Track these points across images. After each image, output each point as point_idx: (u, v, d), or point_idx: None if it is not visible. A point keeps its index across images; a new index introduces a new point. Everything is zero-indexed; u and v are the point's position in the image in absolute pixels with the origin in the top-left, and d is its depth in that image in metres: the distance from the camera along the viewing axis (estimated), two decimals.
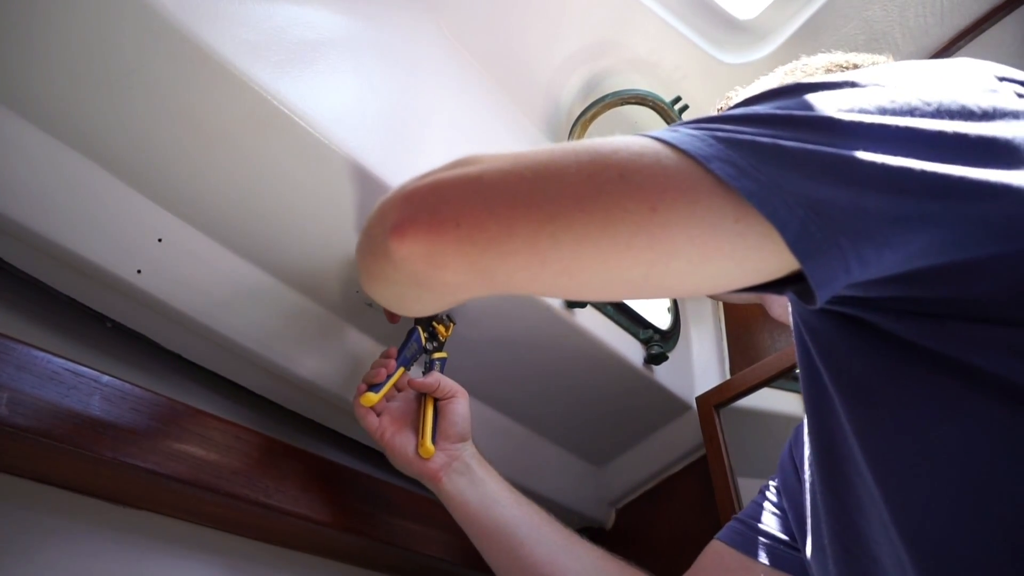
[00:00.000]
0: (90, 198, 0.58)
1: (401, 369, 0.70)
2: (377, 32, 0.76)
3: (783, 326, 1.06)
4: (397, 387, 0.72)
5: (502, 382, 0.89)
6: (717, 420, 0.98)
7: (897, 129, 0.33)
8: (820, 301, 0.32)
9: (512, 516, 0.68)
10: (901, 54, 0.93)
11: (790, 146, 0.32)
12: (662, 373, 0.99)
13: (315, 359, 0.73)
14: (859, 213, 0.31)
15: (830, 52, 0.62)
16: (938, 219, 0.32)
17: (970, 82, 0.36)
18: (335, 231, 0.69)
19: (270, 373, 0.72)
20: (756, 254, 0.33)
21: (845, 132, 0.33)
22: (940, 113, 0.34)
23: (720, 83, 0.98)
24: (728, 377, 1.09)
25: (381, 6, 0.78)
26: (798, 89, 0.36)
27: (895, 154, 0.32)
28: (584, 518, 1.09)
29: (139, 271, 0.60)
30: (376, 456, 0.87)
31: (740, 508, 0.90)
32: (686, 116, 0.94)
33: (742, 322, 1.14)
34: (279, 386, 0.75)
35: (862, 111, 0.34)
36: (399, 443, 0.68)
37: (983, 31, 0.90)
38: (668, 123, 0.93)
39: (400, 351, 0.71)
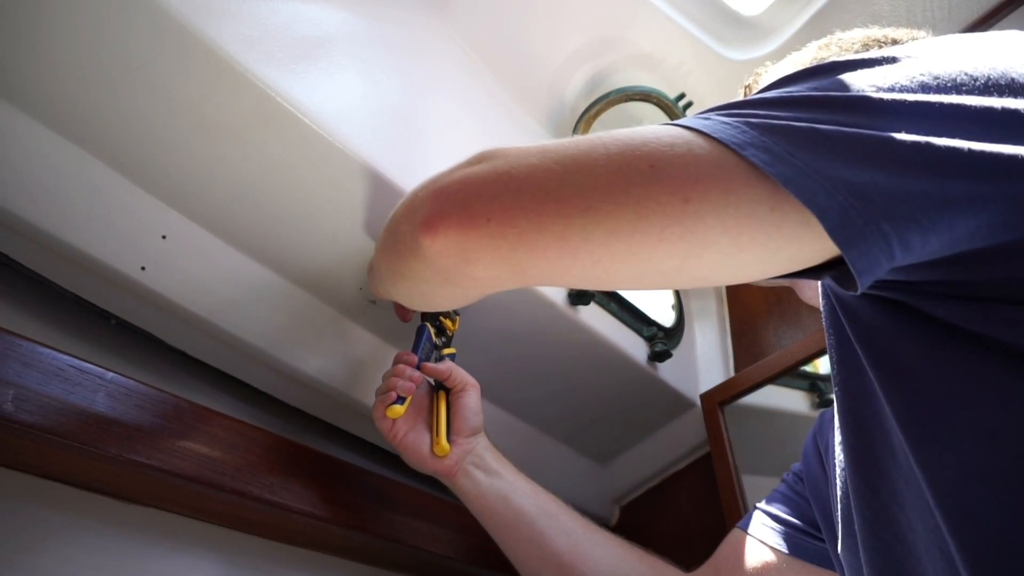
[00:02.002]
0: (94, 195, 0.58)
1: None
2: (381, 28, 0.75)
3: (788, 324, 1.06)
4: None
5: (506, 380, 0.89)
6: (721, 417, 0.98)
7: (941, 106, 0.31)
8: (862, 288, 0.31)
9: (530, 506, 0.67)
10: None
11: (827, 130, 0.31)
12: (666, 370, 0.98)
13: (320, 357, 0.73)
14: (902, 197, 0.30)
15: (867, 27, 0.59)
16: (987, 200, 0.30)
17: (1020, 53, 0.34)
18: (339, 228, 0.68)
19: (275, 370, 0.72)
20: (794, 242, 0.32)
21: (885, 112, 0.31)
22: (988, 88, 0.32)
23: (725, 79, 0.97)
24: (732, 374, 1.09)
25: (385, 2, 0.78)
26: (834, 68, 0.35)
27: (940, 134, 0.30)
28: (588, 515, 1.08)
29: (143, 268, 0.60)
30: (380, 453, 0.87)
31: (745, 505, 0.90)
32: (690, 113, 0.93)
33: (746, 319, 1.13)
34: (284, 383, 0.75)
35: (903, 89, 0.32)
36: (413, 442, 0.67)
37: (991, 25, 0.89)
38: (673, 120, 0.93)
39: (416, 350, 0.69)
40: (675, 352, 0.99)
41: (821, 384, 0.98)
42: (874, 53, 0.35)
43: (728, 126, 0.32)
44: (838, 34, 0.61)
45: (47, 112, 0.56)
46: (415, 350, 0.69)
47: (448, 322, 0.74)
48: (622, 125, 0.95)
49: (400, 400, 0.65)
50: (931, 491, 0.35)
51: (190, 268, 0.64)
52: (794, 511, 0.67)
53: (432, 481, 0.93)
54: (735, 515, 0.89)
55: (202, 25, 0.54)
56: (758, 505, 0.71)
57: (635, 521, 1.11)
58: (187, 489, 0.60)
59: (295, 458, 0.69)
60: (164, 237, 0.62)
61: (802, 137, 0.31)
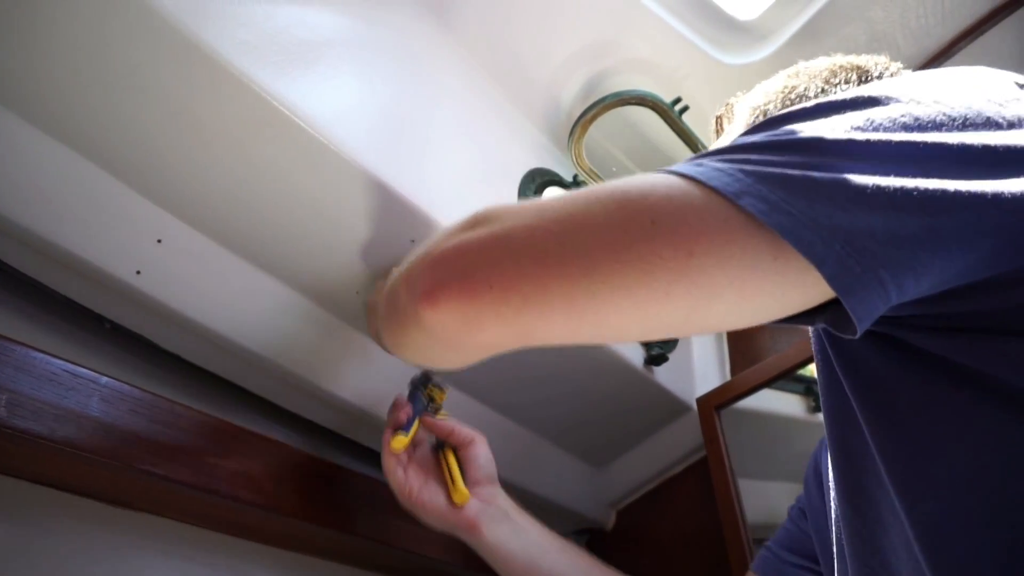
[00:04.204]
0: (89, 199, 0.58)
1: (418, 419, 0.68)
2: (377, 33, 0.75)
3: (783, 328, 1.06)
4: (413, 442, 0.69)
5: (502, 384, 0.89)
6: (717, 421, 0.98)
7: (925, 147, 0.32)
8: (859, 332, 0.32)
9: (559, 565, 0.65)
10: (902, 55, 0.93)
11: (819, 177, 0.31)
12: (662, 374, 0.98)
13: (317, 361, 0.73)
14: (897, 242, 0.30)
15: (830, 55, 0.61)
16: (978, 235, 0.31)
17: (991, 92, 0.36)
18: (334, 231, 0.68)
19: (270, 375, 0.72)
20: (798, 287, 0.32)
21: (873, 155, 0.32)
22: (966, 126, 0.33)
23: (721, 84, 0.97)
24: (728, 378, 1.09)
25: (381, 7, 0.78)
26: (819, 110, 0.35)
27: (927, 174, 0.31)
28: (584, 519, 1.08)
29: (138, 272, 0.60)
30: (374, 456, 0.86)
31: (741, 509, 0.90)
32: (686, 117, 0.93)
33: None
34: (280, 388, 0.75)
35: (887, 129, 0.33)
36: (428, 497, 0.65)
37: (984, 32, 0.90)
38: (668, 124, 0.93)
39: (411, 402, 0.69)
40: (671, 356, 0.99)
41: (816, 388, 0.98)
42: (856, 92, 0.36)
43: (723, 173, 0.32)
44: (802, 64, 0.61)
45: (42, 116, 0.55)
46: (410, 402, 0.69)
47: (436, 391, 0.73)
48: (618, 129, 0.95)
49: (405, 429, 0.64)
50: (911, 528, 0.35)
51: (185, 272, 0.63)
52: (799, 546, 0.67)
53: None
54: (731, 519, 0.89)
55: (199, 29, 0.54)
56: (766, 543, 0.72)
57: (631, 525, 1.11)
58: (181, 494, 0.60)
59: (290, 463, 0.69)
60: (159, 241, 0.62)
61: (796, 185, 0.31)
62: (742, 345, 1.12)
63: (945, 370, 0.35)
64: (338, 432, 0.83)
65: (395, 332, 0.42)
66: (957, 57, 0.92)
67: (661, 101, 0.91)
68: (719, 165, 0.33)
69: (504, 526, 0.65)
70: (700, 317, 0.33)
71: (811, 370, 0.98)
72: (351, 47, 0.70)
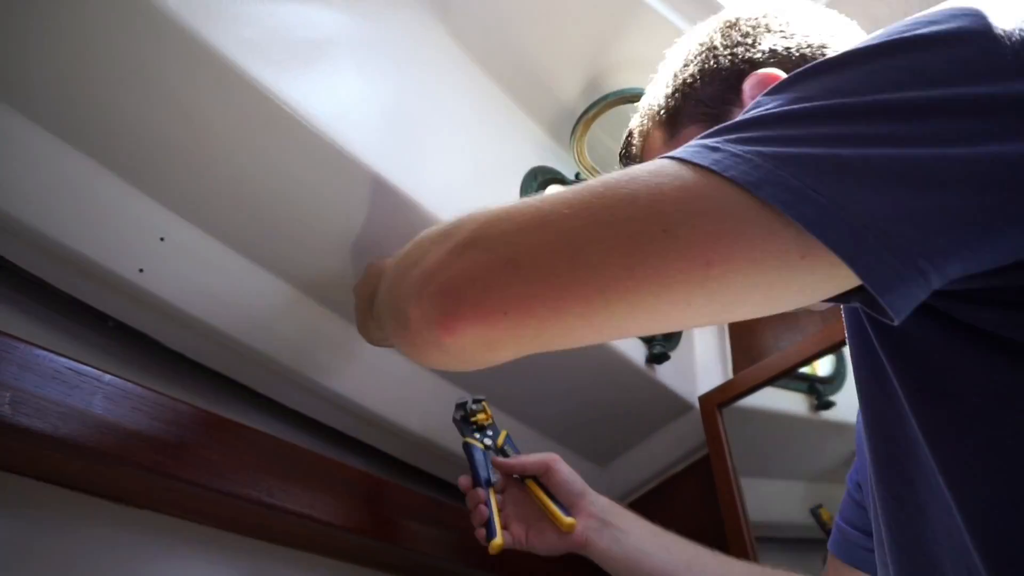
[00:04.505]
0: (92, 196, 0.58)
1: (491, 491, 0.68)
2: (379, 31, 0.75)
3: (786, 325, 1.06)
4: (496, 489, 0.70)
5: (504, 381, 0.89)
6: (720, 419, 0.98)
7: (974, 101, 0.28)
8: (897, 322, 0.29)
9: (663, 563, 0.66)
10: None
11: (847, 155, 0.28)
12: (664, 372, 0.98)
13: (320, 359, 0.73)
14: (939, 227, 0.27)
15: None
16: None
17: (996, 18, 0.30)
18: (337, 229, 0.68)
19: (274, 372, 0.72)
20: (829, 283, 0.30)
21: (911, 117, 0.28)
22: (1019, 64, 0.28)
23: None
24: (731, 376, 1.08)
25: (383, 5, 0.78)
26: (843, 62, 0.31)
27: (978, 139, 0.27)
28: None
29: (141, 270, 0.60)
30: (376, 453, 0.87)
31: (743, 508, 0.90)
32: None
33: (745, 321, 1.13)
34: (283, 385, 0.75)
35: (931, 83, 0.28)
36: (538, 539, 0.67)
37: None
38: None
39: (473, 475, 0.69)
40: (673, 354, 0.99)
41: (819, 386, 0.98)
42: (892, 34, 0.31)
43: (740, 159, 0.29)
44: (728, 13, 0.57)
45: (45, 114, 0.56)
46: (473, 471, 0.70)
47: (479, 415, 0.73)
48: (621, 127, 0.95)
49: (491, 532, 0.65)
50: (960, 510, 0.32)
51: (188, 270, 0.64)
52: (857, 524, 0.65)
53: (431, 482, 0.93)
54: (733, 517, 0.89)
55: (201, 28, 0.54)
56: (836, 519, 0.70)
57: None
58: (184, 491, 0.60)
59: (293, 460, 0.69)
60: (162, 239, 0.62)
61: (822, 166, 0.28)
62: (744, 343, 1.12)
63: (996, 345, 0.31)
64: (341, 431, 0.83)
65: (410, 346, 0.41)
66: None
67: None
68: (735, 149, 0.30)
69: (604, 534, 0.67)
70: (727, 317, 0.32)
71: (814, 368, 0.98)
72: (353, 45, 0.70)
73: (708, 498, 0.97)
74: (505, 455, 0.72)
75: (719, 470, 0.94)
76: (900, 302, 0.28)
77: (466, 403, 0.74)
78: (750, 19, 0.55)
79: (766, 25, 0.54)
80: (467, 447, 0.71)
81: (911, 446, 0.36)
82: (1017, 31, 0.29)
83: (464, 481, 0.70)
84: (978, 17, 0.30)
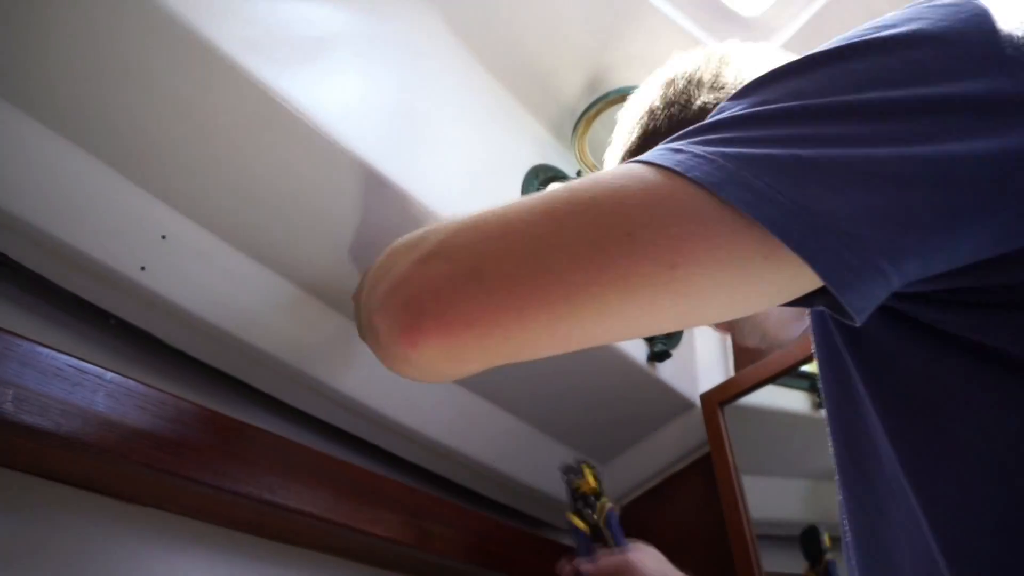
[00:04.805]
0: (94, 194, 0.58)
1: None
2: (380, 28, 0.75)
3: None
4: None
5: (504, 378, 0.89)
6: (721, 417, 0.98)
7: (933, 100, 0.28)
8: (859, 323, 0.29)
9: None
10: None
11: (808, 155, 0.28)
12: (665, 370, 0.98)
13: (322, 356, 0.73)
14: (899, 226, 0.27)
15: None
16: (995, 208, 0.28)
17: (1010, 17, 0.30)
18: (338, 227, 0.68)
19: (275, 371, 0.72)
20: (792, 284, 0.30)
21: (871, 118, 0.28)
22: (986, 67, 0.28)
23: None
24: (732, 374, 1.08)
25: (384, 2, 0.78)
26: (805, 66, 0.32)
27: (934, 139, 0.27)
28: None
29: (143, 268, 0.60)
30: (376, 451, 0.87)
31: (745, 506, 0.90)
32: None
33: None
34: (285, 384, 0.75)
35: (889, 84, 0.29)
36: None
37: None
38: None
39: (580, 551, 0.70)
40: (674, 352, 0.98)
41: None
42: (852, 38, 0.32)
43: (703, 160, 0.29)
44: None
45: (47, 111, 0.56)
46: (579, 551, 0.71)
47: (584, 483, 0.74)
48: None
49: None
50: (925, 513, 0.33)
51: (190, 268, 0.64)
52: None
53: (431, 480, 0.93)
54: (735, 515, 0.89)
55: (201, 25, 0.54)
56: None
57: (634, 522, 1.10)
58: (187, 489, 0.60)
59: (294, 457, 0.69)
60: (164, 237, 0.62)
61: (783, 166, 0.28)
62: None
63: (958, 348, 0.32)
64: (343, 429, 0.83)
65: (384, 360, 0.41)
66: None
67: None
68: (698, 150, 0.30)
69: None
70: (692, 320, 0.32)
71: (816, 366, 0.98)
72: (354, 43, 0.70)
73: (710, 496, 0.97)
74: (601, 530, 0.72)
75: (721, 468, 0.94)
76: (860, 301, 0.28)
77: (571, 467, 0.74)
78: (686, 73, 0.56)
79: (699, 80, 0.55)
80: (572, 528, 0.72)
81: (875, 450, 0.37)
82: (970, 33, 0.30)
83: (567, 571, 0.71)
84: (932, 20, 0.31)
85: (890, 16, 0.32)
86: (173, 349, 0.69)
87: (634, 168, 0.31)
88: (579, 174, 0.95)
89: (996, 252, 0.29)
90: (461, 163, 0.78)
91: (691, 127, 0.33)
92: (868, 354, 0.36)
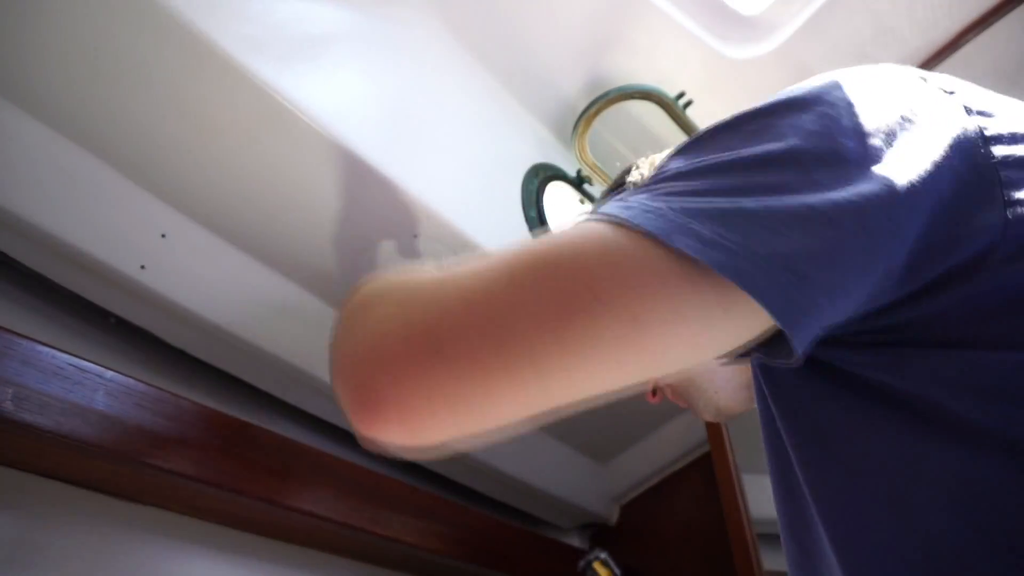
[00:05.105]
0: (93, 193, 0.58)
1: None
2: (380, 27, 0.75)
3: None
4: None
5: None
6: None
7: (855, 152, 0.32)
8: (796, 360, 0.31)
9: None
10: (908, 47, 0.92)
11: (749, 203, 0.30)
12: None
13: (321, 354, 0.73)
14: (834, 265, 0.30)
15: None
16: (902, 247, 0.31)
17: (902, 89, 0.35)
18: (339, 227, 0.68)
19: (275, 369, 0.72)
20: (745, 328, 0.31)
21: (802, 167, 0.31)
22: (890, 128, 0.33)
23: (725, 78, 0.97)
24: None
25: (384, 1, 0.78)
26: (737, 122, 0.35)
27: (840, 186, 0.31)
28: (588, 514, 1.08)
29: (143, 266, 0.60)
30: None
31: (745, 504, 0.90)
32: (690, 112, 0.93)
33: None
34: (284, 382, 0.75)
35: (817, 136, 0.32)
36: None
37: (992, 24, 0.89)
38: (673, 118, 0.92)
39: None
40: None
41: None
42: (775, 99, 0.35)
43: (652, 214, 0.31)
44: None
45: (46, 110, 0.56)
46: None
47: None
48: (622, 124, 0.94)
49: None
50: (832, 548, 0.35)
51: (189, 267, 0.64)
52: None
53: (433, 479, 0.93)
54: (735, 514, 0.89)
55: (202, 24, 0.54)
56: None
57: (635, 520, 1.11)
58: (187, 487, 0.60)
59: (295, 457, 0.69)
60: (163, 236, 0.62)
61: (727, 214, 0.30)
62: None
63: (868, 391, 0.34)
64: (344, 428, 0.83)
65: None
66: (965, 49, 0.91)
67: (666, 96, 0.91)
68: (647, 204, 0.31)
69: None
70: (655, 371, 0.32)
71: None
72: (354, 42, 0.70)
73: (710, 494, 0.97)
74: None
75: (720, 466, 0.94)
76: (804, 336, 0.30)
77: (591, 559, 0.76)
78: (631, 165, 0.57)
79: (636, 164, 0.56)
80: None
81: (804, 501, 0.39)
82: (855, 101, 0.34)
83: None
84: (831, 86, 0.36)
85: (813, 79, 0.37)
86: (173, 348, 0.69)
87: (589, 225, 0.32)
88: (579, 172, 0.95)
89: (907, 289, 0.32)
90: (461, 162, 0.78)
91: (640, 184, 0.35)
92: (787, 403, 0.39)
